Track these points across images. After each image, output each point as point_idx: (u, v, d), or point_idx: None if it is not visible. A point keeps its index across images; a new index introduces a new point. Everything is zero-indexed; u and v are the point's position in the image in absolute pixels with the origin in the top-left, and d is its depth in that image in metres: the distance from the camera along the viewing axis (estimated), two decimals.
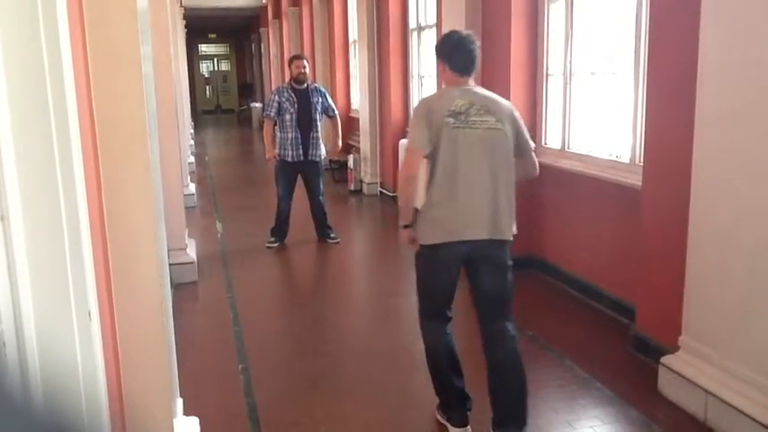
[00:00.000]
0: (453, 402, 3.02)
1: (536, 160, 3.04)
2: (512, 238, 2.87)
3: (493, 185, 2.79)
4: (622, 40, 4.29)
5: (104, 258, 1.92)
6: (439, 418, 3.10)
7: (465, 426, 2.97)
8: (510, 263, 2.90)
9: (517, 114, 2.92)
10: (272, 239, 6.39)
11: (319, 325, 4.52)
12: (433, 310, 3.00)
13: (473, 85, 2.91)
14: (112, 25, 1.92)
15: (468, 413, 3.01)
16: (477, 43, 2.95)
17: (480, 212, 2.78)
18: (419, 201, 2.89)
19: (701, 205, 3.10)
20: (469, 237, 2.79)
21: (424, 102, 3.00)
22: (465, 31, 3.06)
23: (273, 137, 6.32)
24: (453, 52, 2.91)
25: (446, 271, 2.88)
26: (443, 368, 3.00)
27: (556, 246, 5.16)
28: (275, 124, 6.28)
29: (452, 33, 3.02)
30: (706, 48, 3.00)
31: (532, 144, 3.03)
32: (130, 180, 2.00)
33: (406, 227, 2.97)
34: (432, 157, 2.81)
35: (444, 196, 2.79)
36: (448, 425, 3.02)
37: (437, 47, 3.03)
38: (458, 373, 3.03)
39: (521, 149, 2.92)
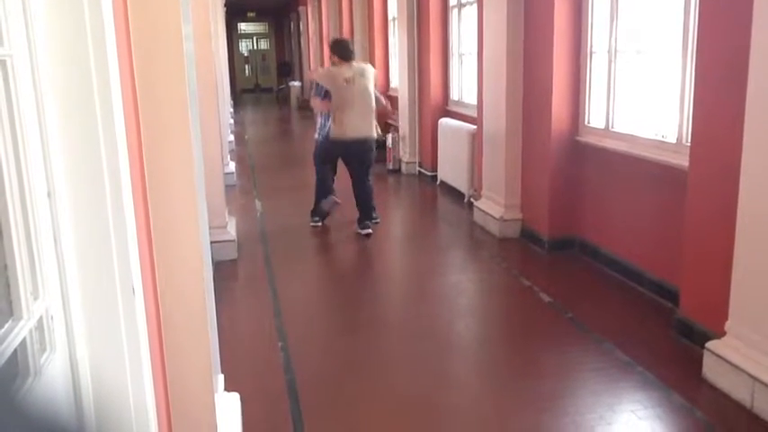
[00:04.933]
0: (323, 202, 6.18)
1: (381, 96, 6.26)
2: (375, 136, 5.97)
3: (365, 112, 5.84)
4: (670, 15, 4.15)
5: (147, 235, 1.95)
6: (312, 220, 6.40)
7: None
8: (374, 148, 6.04)
9: (375, 74, 6.14)
10: (316, 219, 6.42)
11: (358, 304, 4.54)
12: (324, 161, 6.20)
13: (355, 63, 5.98)
14: (155, 5, 1.93)
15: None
16: (353, 45, 6.42)
17: (358, 124, 5.82)
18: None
19: (750, 187, 3.00)
20: (355, 136, 5.84)
21: (328, 69, 6.24)
22: (345, 39, 6.97)
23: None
24: (340, 50, 5.98)
25: (337, 151, 6.03)
26: (325, 184, 6.26)
27: (597, 227, 5.07)
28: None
29: (338, 40, 6.35)
30: (759, 22, 2.87)
31: (377, 90, 6.14)
32: (172, 158, 2.02)
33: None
34: (335, 99, 5.83)
35: (341, 117, 5.79)
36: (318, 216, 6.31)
37: (330, 46, 6.18)
38: (330, 188, 6.26)
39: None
